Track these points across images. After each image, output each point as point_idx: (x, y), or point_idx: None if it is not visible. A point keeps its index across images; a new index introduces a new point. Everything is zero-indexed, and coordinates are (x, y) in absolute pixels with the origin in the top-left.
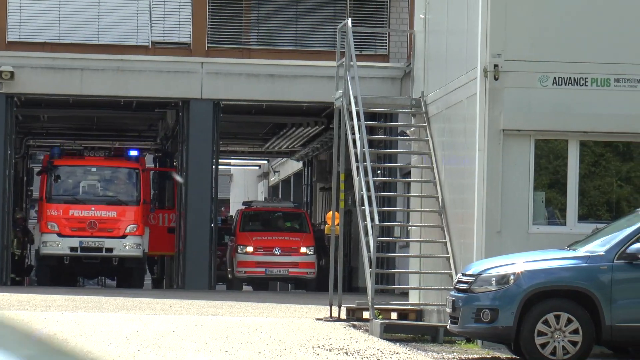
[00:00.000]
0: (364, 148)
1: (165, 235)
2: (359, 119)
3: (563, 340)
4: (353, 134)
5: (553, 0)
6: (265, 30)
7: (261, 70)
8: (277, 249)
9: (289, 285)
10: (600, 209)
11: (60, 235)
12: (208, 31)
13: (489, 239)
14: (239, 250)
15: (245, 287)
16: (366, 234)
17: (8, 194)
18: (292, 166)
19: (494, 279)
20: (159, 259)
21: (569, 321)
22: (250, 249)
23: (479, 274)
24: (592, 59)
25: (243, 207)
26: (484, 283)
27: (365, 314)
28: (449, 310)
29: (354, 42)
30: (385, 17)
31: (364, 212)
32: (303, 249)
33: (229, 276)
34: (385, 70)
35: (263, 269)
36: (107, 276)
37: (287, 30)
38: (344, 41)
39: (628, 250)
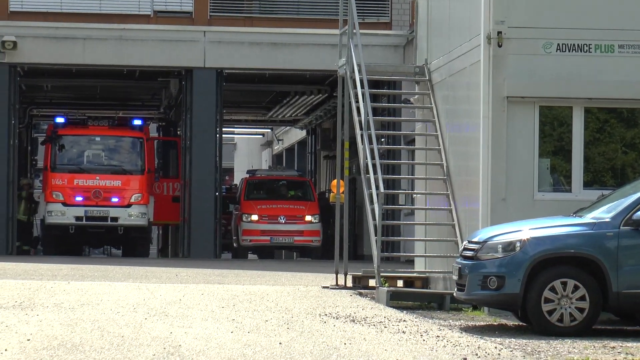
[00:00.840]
0: (367, 116)
1: (170, 204)
2: (362, 87)
3: (570, 307)
4: (357, 101)
5: None
6: None
7: (264, 39)
8: (282, 217)
9: (294, 253)
10: (605, 176)
11: (65, 204)
12: (210, 0)
13: (495, 206)
14: (244, 219)
15: (250, 256)
16: (371, 202)
17: (13, 163)
18: (296, 135)
19: (500, 246)
20: (163, 228)
21: (576, 288)
22: (255, 217)
23: (485, 241)
24: (596, 25)
25: (247, 175)
26: (490, 250)
27: (372, 282)
28: (455, 277)
29: (357, 9)
30: None
31: (368, 180)
32: (308, 217)
33: (235, 245)
34: (388, 37)
35: (268, 238)
36: (113, 245)
37: None
38: (347, 9)
39: (634, 217)
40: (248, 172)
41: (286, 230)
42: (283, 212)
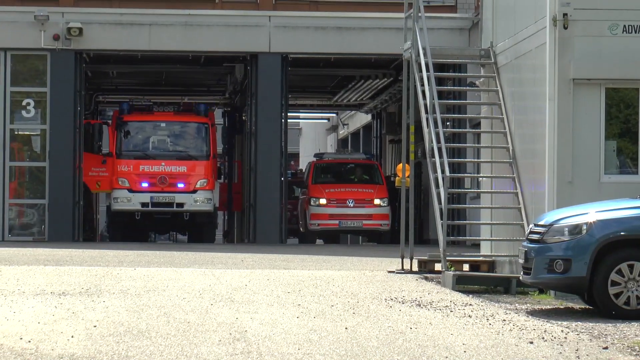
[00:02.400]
0: (433, 99)
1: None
2: (427, 71)
3: (637, 290)
4: (422, 85)
5: None
6: None
7: (329, 23)
8: (350, 201)
9: (360, 238)
10: None
11: (131, 191)
12: None
13: (561, 189)
14: (312, 203)
15: (317, 241)
16: (437, 186)
17: (79, 149)
18: (361, 119)
19: (567, 229)
20: (228, 213)
21: None
22: (323, 201)
23: (551, 224)
24: None
25: (315, 159)
26: (557, 233)
27: (437, 266)
28: (521, 261)
29: None
30: None
31: (434, 163)
32: (377, 201)
33: (301, 229)
34: (453, 21)
35: (337, 222)
36: (179, 231)
37: None
38: None
39: None
40: (315, 155)
41: (355, 214)
42: (352, 195)
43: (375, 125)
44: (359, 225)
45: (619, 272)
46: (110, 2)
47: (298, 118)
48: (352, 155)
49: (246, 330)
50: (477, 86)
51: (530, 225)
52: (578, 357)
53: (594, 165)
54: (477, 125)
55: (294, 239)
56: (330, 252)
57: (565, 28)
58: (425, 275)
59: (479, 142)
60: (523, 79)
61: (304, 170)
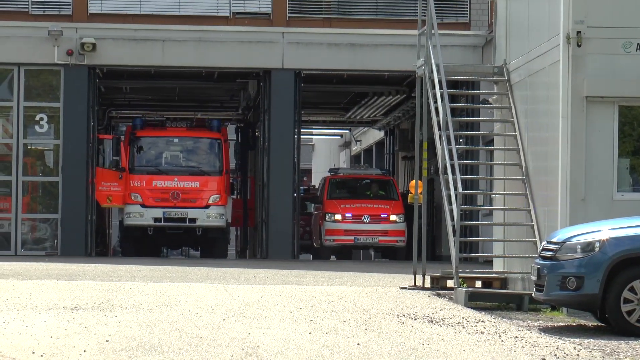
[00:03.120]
0: (446, 116)
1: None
2: (441, 87)
3: None
4: (435, 102)
5: None
6: None
7: (342, 40)
8: (366, 217)
9: (372, 254)
10: None
11: (143, 206)
12: (288, 1)
13: (574, 207)
14: (327, 218)
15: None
16: (449, 203)
17: (92, 164)
18: (374, 135)
19: (579, 246)
20: (241, 229)
21: None
22: (338, 216)
23: (564, 242)
24: None
25: (329, 174)
26: (569, 251)
27: (450, 283)
28: (534, 278)
29: (435, 10)
30: None
31: (447, 180)
32: (393, 217)
33: (315, 245)
34: (466, 38)
35: (352, 237)
36: (191, 246)
37: None
38: (425, 9)
39: None
40: (330, 170)
41: (370, 230)
42: (367, 211)
43: (388, 142)
44: (375, 242)
45: (632, 290)
46: (124, 18)
47: (311, 134)
48: (368, 171)
49: (258, 346)
50: (490, 103)
51: (543, 243)
52: None
53: (607, 183)
54: (490, 142)
55: (306, 255)
56: (343, 268)
57: (579, 46)
58: (438, 291)
59: (491, 159)
60: (536, 97)
61: (317, 186)
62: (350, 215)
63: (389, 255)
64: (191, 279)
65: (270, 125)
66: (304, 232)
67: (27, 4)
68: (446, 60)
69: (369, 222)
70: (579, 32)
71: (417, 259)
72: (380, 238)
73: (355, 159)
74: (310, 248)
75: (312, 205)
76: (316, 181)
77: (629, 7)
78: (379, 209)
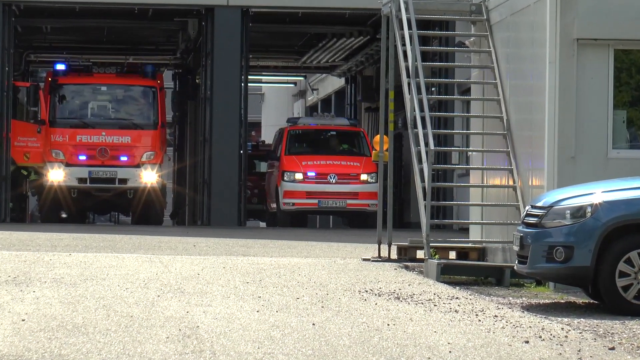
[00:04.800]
0: (416, 61)
1: None
2: (410, 28)
3: None
4: (403, 45)
5: None
6: None
7: None
8: (332, 176)
9: (330, 220)
10: None
11: (66, 164)
12: None
13: (562, 166)
14: (285, 178)
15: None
16: (420, 161)
17: (7, 116)
18: (333, 83)
19: (569, 211)
20: (178, 191)
21: None
22: (299, 175)
23: (550, 206)
24: None
25: (288, 124)
26: (557, 216)
27: (419, 253)
28: (516, 248)
29: None
30: None
31: (416, 135)
32: (364, 176)
33: (270, 209)
34: None
35: (315, 201)
36: (121, 211)
37: None
38: None
39: None
40: (289, 120)
41: (338, 191)
42: (333, 169)
43: (350, 91)
44: (342, 205)
45: (628, 262)
46: None
47: (260, 82)
48: (333, 121)
49: (198, 326)
50: (467, 46)
51: (527, 207)
52: (580, 358)
53: (601, 139)
54: (467, 91)
55: (254, 222)
56: (296, 237)
57: None
58: (406, 264)
59: (468, 111)
60: (520, 39)
61: (266, 142)
62: (313, 173)
63: (357, 223)
64: (121, 249)
65: (213, 72)
66: (252, 195)
67: None
68: None
69: (336, 183)
70: None
71: (383, 227)
72: (349, 202)
73: (311, 110)
74: (262, 214)
75: (263, 163)
76: (266, 136)
77: None
78: (347, 166)
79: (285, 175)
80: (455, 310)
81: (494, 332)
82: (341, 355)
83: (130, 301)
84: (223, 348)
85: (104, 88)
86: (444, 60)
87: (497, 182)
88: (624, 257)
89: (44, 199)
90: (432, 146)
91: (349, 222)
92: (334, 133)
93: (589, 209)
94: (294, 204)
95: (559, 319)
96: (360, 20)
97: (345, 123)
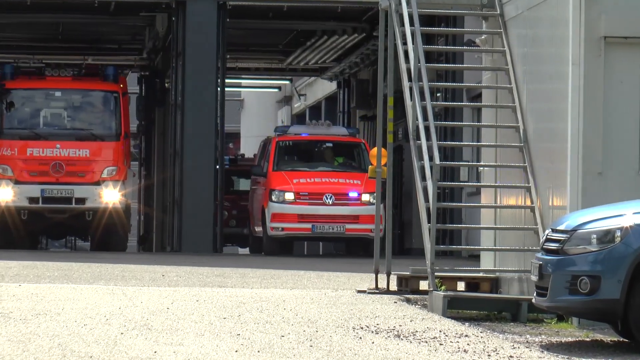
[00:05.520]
0: (419, 62)
1: None
2: (412, 24)
3: None
4: (404, 43)
5: None
6: None
7: None
8: (329, 196)
9: (320, 246)
10: None
11: (15, 181)
12: None
13: (587, 183)
14: (274, 198)
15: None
16: (423, 178)
17: None
18: (323, 88)
19: (595, 236)
20: (145, 213)
21: None
22: (290, 195)
23: (574, 230)
24: None
25: (276, 134)
26: (582, 242)
27: (423, 284)
28: (534, 278)
29: None
30: None
31: (419, 148)
32: (366, 196)
33: (254, 234)
34: None
35: (309, 225)
36: (78, 236)
37: None
38: None
39: None
40: (277, 130)
41: (335, 214)
42: (330, 188)
43: (342, 97)
44: (341, 231)
45: None
46: None
47: (239, 86)
48: (330, 130)
49: None
50: (478, 46)
51: (547, 231)
52: None
53: (632, 152)
54: (477, 97)
55: (232, 248)
56: (281, 265)
57: None
58: (407, 296)
59: (479, 120)
60: (539, 37)
61: (255, 152)
62: (306, 193)
63: (356, 250)
64: (78, 279)
65: (184, 74)
66: (230, 217)
67: None
68: None
69: (333, 204)
70: None
71: (381, 254)
72: (349, 226)
73: (297, 119)
74: (241, 238)
75: (242, 180)
76: (246, 148)
77: None
78: (346, 184)
79: (273, 194)
80: (465, 350)
81: None
82: None
83: (90, 339)
84: None
85: (58, 93)
86: (451, 62)
87: (512, 202)
88: None
89: None
90: (437, 160)
91: (347, 249)
92: (331, 145)
93: (618, 233)
94: (283, 229)
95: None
96: (354, 16)
97: (344, 133)
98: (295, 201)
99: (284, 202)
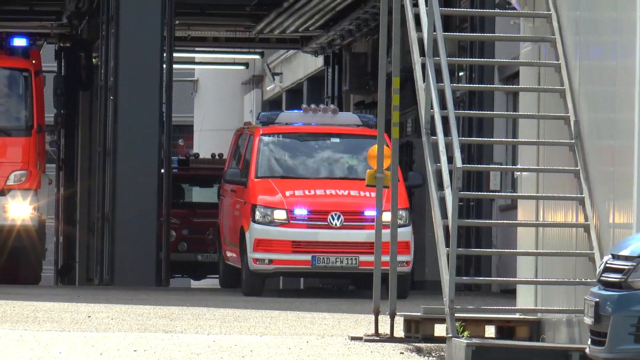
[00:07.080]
0: (435, 31)
1: None
2: None
3: None
4: (416, 5)
5: None
6: None
7: None
8: (335, 215)
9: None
10: None
11: None
12: None
13: None
14: (258, 217)
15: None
16: (440, 186)
17: None
18: (306, 65)
19: None
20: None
21: None
22: (281, 214)
23: None
24: None
25: (258, 123)
26: None
27: (439, 329)
28: (588, 320)
29: None
30: None
31: (435, 145)
32: (387, 215)
33: (226, 260)
34: None
35: (308, 257)
36: None
37: None
38: None
39: None
40: (261, 118)
41: (345, 241)
42: (338, 204)
43: (331, 77)
44: (353, 264)
45: None
46: None
47: (192, 62)
48: (337, 119)
49: None
50: (514, 8)
51: (606, 258)
52: None
53: None
54: (513, 77)
55: (182, 280)
56: (248, 302)
57: None
58: (418, 345)
59: (515, 109)
60: None
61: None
62: (304, 211)
63: (365, 284)
64: None
65: (118, 47)
66: (179, 238)
67: None
68: None
69: (342, 227)
70: None
71: (382, 289)
72: (363, 258)
73: (270, 106)
74: (193, 267)
75: (195, 189)
76: (201, 146)
77: None
78: (361, 198)
79: (257, 212)
80: None
81: None
82: None
83: None
84: None
85: None
86: (478, 30)
87: (559, 218)
88: None
89: None
90: (459, 163)
91: (356, 282)
92: (337, 140)
93: None
94: (271, 261)
95: None
96: None
97: (355, 122)
98: (288, 222)
99: (271, 223)
